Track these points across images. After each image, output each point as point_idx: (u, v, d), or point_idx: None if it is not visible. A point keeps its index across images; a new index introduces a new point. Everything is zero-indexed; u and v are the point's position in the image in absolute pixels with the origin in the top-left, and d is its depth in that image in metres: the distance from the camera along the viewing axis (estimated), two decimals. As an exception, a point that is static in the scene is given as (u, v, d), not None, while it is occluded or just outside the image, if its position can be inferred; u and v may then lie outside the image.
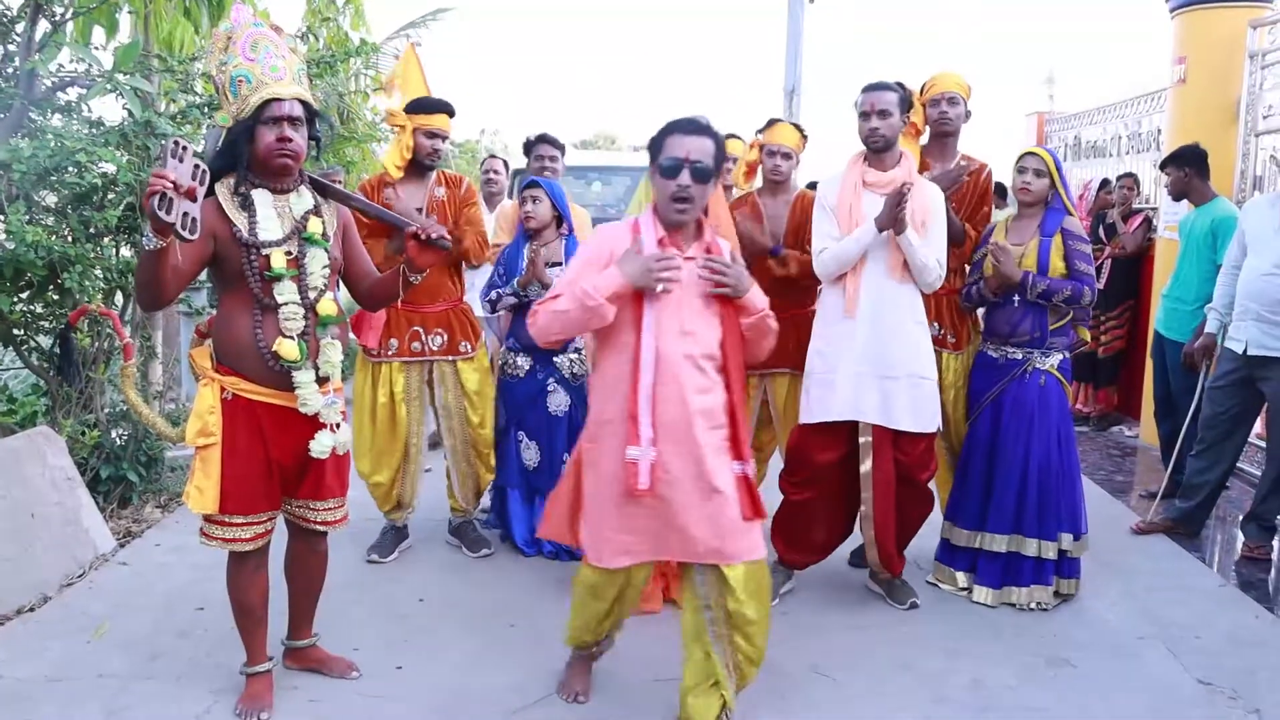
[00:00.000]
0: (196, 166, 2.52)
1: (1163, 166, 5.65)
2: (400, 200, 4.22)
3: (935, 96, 4.14)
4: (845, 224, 3.76)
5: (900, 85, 3.86)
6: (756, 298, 2.94)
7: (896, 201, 3.56)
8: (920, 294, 3.81)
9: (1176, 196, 5.65)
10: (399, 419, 4.40)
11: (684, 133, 2.80)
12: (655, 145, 2.85)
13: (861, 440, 3.81)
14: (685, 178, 2.77)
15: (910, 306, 3.77)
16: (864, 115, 3.77)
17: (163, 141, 4.34)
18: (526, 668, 3.43)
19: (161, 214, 2.39)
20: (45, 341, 4.87)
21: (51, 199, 4.54)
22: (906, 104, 3.82)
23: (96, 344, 4.90)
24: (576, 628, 3.16)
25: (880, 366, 3.72)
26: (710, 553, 2.83)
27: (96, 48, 4.58)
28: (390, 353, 4.36)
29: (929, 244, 3.70)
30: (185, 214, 2.48)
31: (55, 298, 4.67)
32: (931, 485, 4.09)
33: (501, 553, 4.55)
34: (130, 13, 4.48)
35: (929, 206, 3.73)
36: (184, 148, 2.47)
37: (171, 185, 2.40)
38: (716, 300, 2.85)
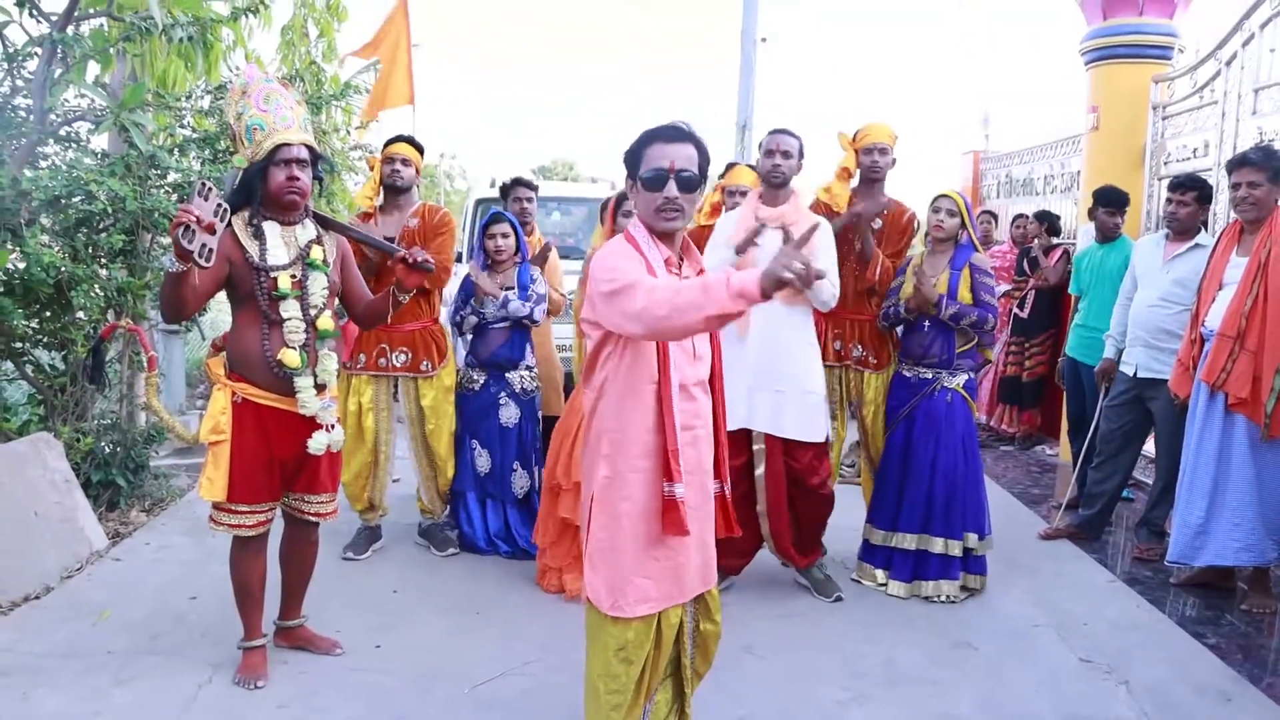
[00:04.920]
0: (219, 205, 2.95)
1: (1107, 206, 5.93)
2: (377, 229, 4.65)
3: (868, 146, 4.55)
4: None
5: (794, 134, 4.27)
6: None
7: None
8: (811, 316, 4.27)
9: (1113, 237, 5.96)
10: (365, 427, 4.83)
11: (666, 140, 2.51)
12: (633, 156, 2.56)
13: (755, 448, 4.30)
14: (672, 189, 2.48)
15: (801, 327, 4.24)
16: (768, 153, 4.22)
17: (192, 179, 4.76)
18: (491, 648, 3.85)
19: (184, 242, 2.82)
20: (43, 355, 5.22)
21: (48, 223, 4.91)
22: (802, 152, 4.25)
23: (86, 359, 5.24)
24: None
25: (771, 381, 4.18)
26: (706, 582, 2.73)
27: (102, 85, 4.96)
28: (359, 366, 4.81)
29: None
30: (204, 245, 2.91)
31: (48, 314, 5.02)
32: (841, 489, 4.53)
33: (465, 551, 4.95)
34: (135, 56, 4.86)
35: (817, 237, 4.14)
36: (209, 188, 2.90)
37: (195, 220, 2.82)
38: None
